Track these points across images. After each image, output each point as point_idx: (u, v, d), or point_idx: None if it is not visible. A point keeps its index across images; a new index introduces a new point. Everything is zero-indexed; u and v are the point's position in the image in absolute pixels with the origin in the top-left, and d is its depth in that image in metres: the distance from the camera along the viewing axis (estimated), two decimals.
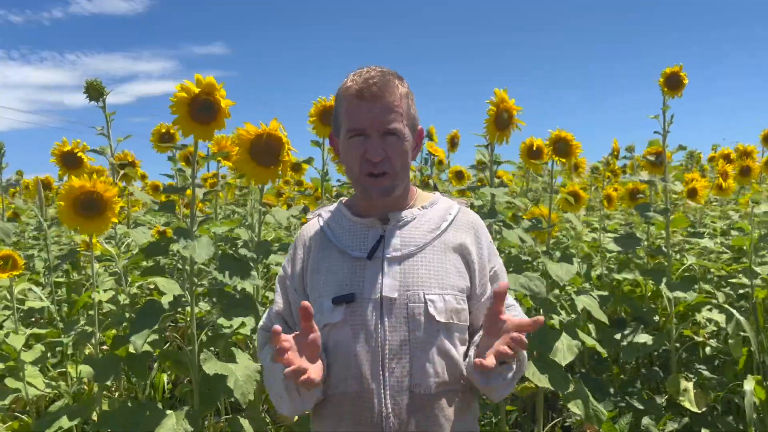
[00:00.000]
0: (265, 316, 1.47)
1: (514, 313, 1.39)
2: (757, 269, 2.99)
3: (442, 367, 1.27)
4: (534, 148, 2.74)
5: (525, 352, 1.31)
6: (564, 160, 2.66)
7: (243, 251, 2.32)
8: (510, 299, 1.46)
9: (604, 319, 2.69)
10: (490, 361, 1.06)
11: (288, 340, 1.13)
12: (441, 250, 1.33)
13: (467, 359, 1.30)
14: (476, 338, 1.32)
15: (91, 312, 2.49)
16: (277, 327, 1.11)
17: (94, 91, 2.39)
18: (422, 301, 1.27)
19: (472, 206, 2.68)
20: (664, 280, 2.91)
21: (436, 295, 1.28)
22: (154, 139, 3.27)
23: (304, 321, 1.16)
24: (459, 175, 4.36)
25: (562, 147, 2.63)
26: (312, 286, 1.36)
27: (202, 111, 1.89)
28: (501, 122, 2.35)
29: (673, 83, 2.88)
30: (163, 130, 3.29)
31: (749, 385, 2.63)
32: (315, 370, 1.16)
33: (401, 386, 1.25)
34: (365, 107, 1.26)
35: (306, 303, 1.14)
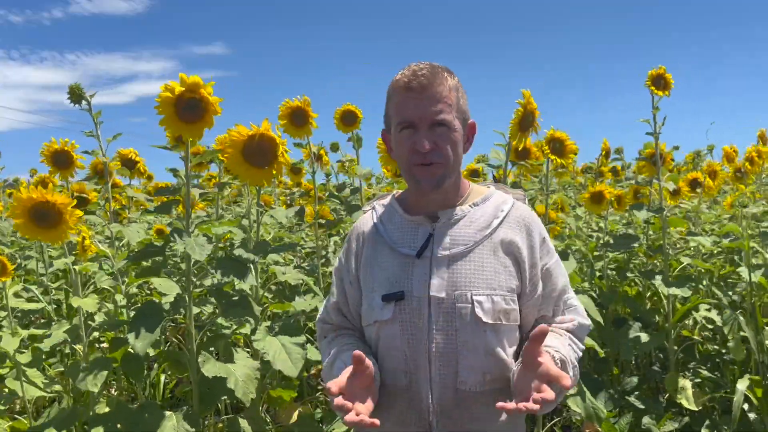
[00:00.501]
0: (322, 307, 1.49)
1: (572, 317, 1.36)
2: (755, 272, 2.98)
3: (489, 367, 1.26)
4: (521, 149, 2.71)
5: (577, 371, 1.30)
6: (561, 160, 2.64)
7: (239, 251, 2.31)
8: (573, 300, 1.41)
9: (599, 318, 2.67)
10: (511, 406, 1.05)
11: (343, 388, 1.15)
12: (491, 249, 1.30)
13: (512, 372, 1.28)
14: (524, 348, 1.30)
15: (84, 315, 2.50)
16: (340, 382, 1.14)
17: (75, 95, 2.40)
18: (469, 302, 1.25)
19: None
20: (660, 277, 2.90)
21: (484, 296, 1.26)
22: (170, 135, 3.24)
23: (356, 365, 1.16)
24: (474, 174, 4.30)
25: (556, 146, 2.62)
26: (364, 279, 1.37)
27: (187, 110, 1.86)
28: (525, 123, 2.34)
29: (659, 83, 2.90)
30: None
31: (742, 384, 2.63)
32: (369, 404, 1.19)
33: (448, 383, 1.25)
34: (413, 99, 1.25)
35: (358, 352, 1.15)
